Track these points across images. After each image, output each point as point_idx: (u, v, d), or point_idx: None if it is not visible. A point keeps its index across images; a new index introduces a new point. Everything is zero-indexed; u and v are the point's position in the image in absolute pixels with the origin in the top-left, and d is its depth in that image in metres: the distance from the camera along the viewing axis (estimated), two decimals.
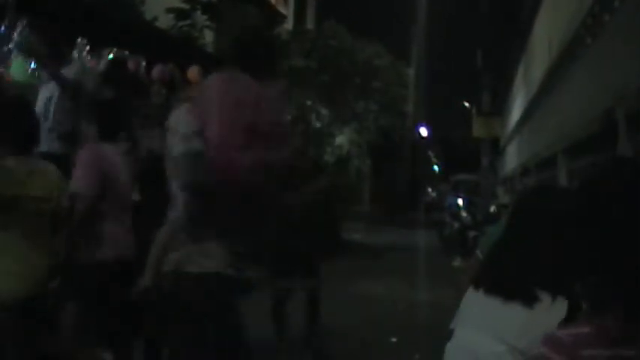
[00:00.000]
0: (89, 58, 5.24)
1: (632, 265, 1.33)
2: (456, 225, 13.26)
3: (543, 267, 1.68)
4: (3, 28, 4.86)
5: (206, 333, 2.43)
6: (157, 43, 6.95)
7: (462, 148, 34.37)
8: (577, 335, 1.31)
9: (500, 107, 22.91)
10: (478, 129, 19.36)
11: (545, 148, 10.88)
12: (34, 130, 2.93)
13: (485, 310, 1.74)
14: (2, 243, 2.68)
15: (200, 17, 9.52)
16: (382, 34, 16.54)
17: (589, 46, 7.21)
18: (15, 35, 4.64)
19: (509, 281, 1.71)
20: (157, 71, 5.14)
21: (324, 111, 13.71)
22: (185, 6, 9.29)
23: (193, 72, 5.40)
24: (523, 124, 16.26)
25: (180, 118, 2.49)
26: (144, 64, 5.51)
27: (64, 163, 3.26)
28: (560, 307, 1.58)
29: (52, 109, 4.23)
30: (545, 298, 1.62)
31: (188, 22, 9.29)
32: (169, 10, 9.14)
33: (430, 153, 39.36)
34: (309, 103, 13.23)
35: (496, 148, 23.57)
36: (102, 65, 5.30)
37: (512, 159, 20.33)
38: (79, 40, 5.19)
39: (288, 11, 19.33)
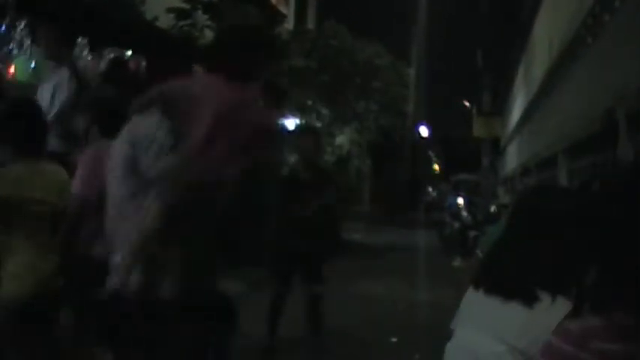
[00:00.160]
0: (89, 58, 5.25)
1: (632, 265, 1.33)
2: (457, 225, 13.26)
3: (543, 267, 1.68)
4: (3, 28, 4.87)
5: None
6: (158, 43, 6.95)
7: (462, 148, 34.33)
8: (586, 328, 1.32)
9: (500, 107, 22.91)
10: (478, 129, 19.38)
11: (546, 148, 10.87)
12: (42, 132, 2.95)
13: (485, 310, 1.74)
14: (5, 246, 2.69)
15: (201, 17, 9.50)
16: (382, 34, 16.55)
17: (589, 46, 7.20)
18: (16, 35, 4.65)
19: (509, 281, 1.71)
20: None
21: (324, 111, 13.72)
22: (186, 6, 9.28)
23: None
24: (523, 124, 16.25)
25: (152, 131, 2.31)
26: (144, 64, 5.53)
27: (64, 162, 3.27)
28: (560, 307, 1.58)
29: (53, 107, 4.24)
30: (545, 298, 1.62)
31: (189, 21, 9.27)
32: (170, 10, 9.13)
33: (430, 153, 39.33)
34: (309, 103, 13.24)
35: (496, 148, 23.56)
36: (102, 65, 5.31)
37: (512, 159, 20.32)
38: (79, 40, 5.20)
39: (288, 11, 19.32)
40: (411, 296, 7.97)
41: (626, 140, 5.15)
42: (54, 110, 4.22)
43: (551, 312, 1.58)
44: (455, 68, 28.66)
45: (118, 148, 2.41)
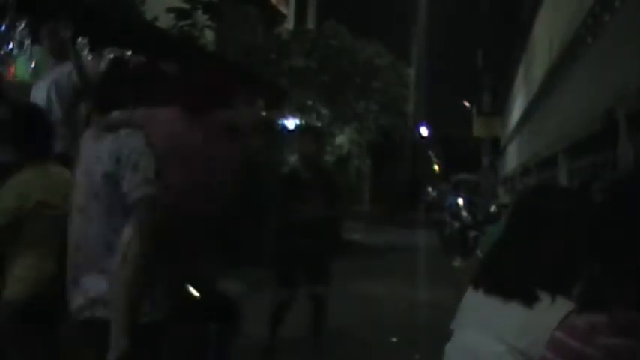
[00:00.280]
0: (89, 57, 5.24)
1: (632, 264, 1.33)
2: (457, 225, 13.27)
3: (543, 267, 1.68)
4: (3, 27, 4.86)
5: None
6: (158, 43, 6.95)
7: (462, 148, 34.31)
8: (592, 323, 1.32)
9: (500, 107, 22.92)
10: (479, 129, 19.40)
11: (546, 148, 10.88)
12: (48, 136, 2.96)
13: (485, 310, 1.74)
14: (14, 251, 2.73)
15: (201, 17, 9.51)
16: (382, 34, 16.56)
17: (589, 46, 7.21)
18: (16, 35, 4.65)
19: (509, 281, 1.71)
20: None
21: (324, 111, 13.73)
22: (186, 6, 9.29)
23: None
24: (523, 124, 16.26)
25: (141, 152, 2.23)
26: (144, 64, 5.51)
27: (63, 162, 3.27)
28: (560, 307, 1.58)
29: (51, 104, 4.22)
30: (545, 297, 1.62)
31: (189, 21, 9.29)
32: (170, 10, 9.13)
33: (430, 153, 39.33)
34: (309, 103, 13.25)
35: (496, 148, 23.59)
36: (102, 65, 5.30)
37: (512, 159, 20.33)
38: (79, 40, 5.19)
39: (288, 11, 19.32)
40: (411, 296, 7.97)
41: (626, 140, 5.16)
42: (53, 108, 4.21)
43: (551, 312, 1.58)
44: (455, 68, 28.63)
45: (95, 161, 2.24)
